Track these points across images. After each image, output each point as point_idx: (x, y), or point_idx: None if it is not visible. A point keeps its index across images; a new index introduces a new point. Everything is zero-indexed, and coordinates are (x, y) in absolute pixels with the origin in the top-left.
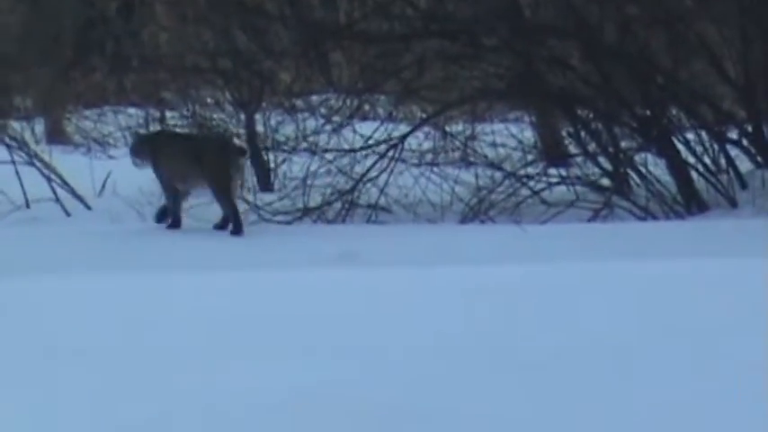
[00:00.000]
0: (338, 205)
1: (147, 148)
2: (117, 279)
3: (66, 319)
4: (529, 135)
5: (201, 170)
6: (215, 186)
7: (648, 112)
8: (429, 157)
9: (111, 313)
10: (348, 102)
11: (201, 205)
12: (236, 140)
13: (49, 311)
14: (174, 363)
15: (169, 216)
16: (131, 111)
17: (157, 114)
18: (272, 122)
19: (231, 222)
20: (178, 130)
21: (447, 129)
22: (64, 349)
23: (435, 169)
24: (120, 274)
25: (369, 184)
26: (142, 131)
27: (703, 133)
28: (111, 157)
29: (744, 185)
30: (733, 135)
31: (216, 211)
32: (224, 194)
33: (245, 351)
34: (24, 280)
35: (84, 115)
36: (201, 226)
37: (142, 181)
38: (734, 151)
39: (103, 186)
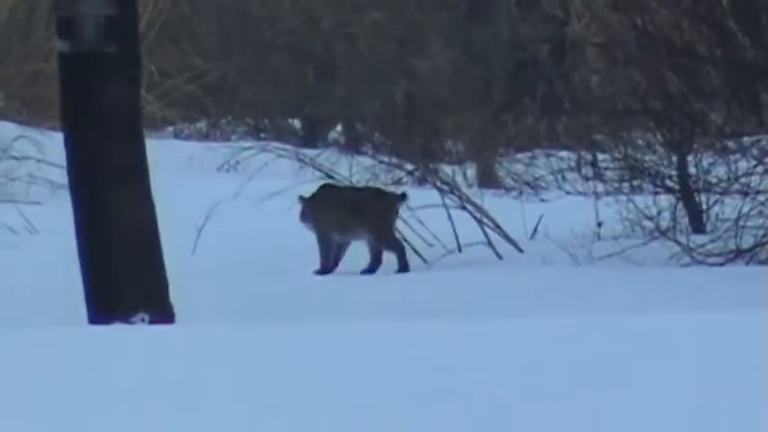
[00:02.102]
0: None
1: (308, 208)
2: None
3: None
4: None
5: (361, 220)
6: (376, 235)
7: None
8: None
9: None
10: None
11: None
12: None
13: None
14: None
15: (322, 266)
16: (563, 154)
17: (589, 157)
18: (704, 164)
19: (398, 261)
20: (338, 184)
21: None
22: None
23: None
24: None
25: None
26: (305, 194)
27: None
28: (543, 201)
29: None
30: None
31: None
32: (387, 239)
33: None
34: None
35: (515, 159)
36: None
37: (575, 223)
38: None
39: (535, 230)
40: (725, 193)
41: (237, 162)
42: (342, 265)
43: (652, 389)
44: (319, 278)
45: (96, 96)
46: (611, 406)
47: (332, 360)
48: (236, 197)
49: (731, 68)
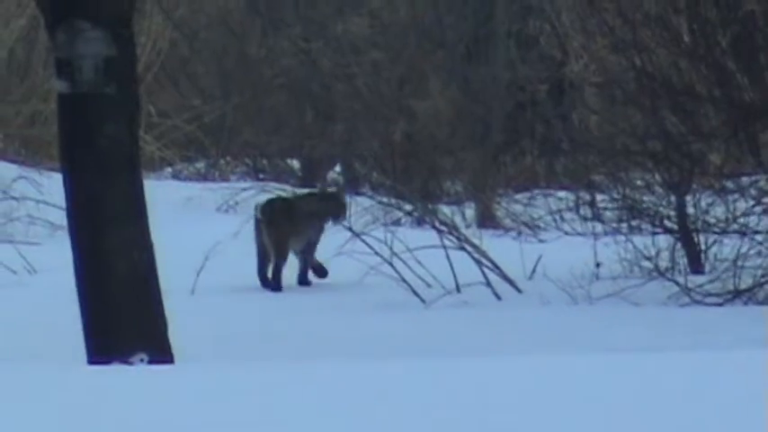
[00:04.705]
0: None
1: None
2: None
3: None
4: None
5: None
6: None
7: None
8: None
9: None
10: None
11: None
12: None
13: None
14: None
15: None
16: (561, 194)
17: (587, 197)
18: (703, 204)
19: None
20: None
21: None
22: None
23: None
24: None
25: None
26: None
27: None
28: (541, 241)
29: None
30: None
31: None
32: None
33: None
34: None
35: (514, 199)
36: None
37: (573, 263)
38: None
39: (534, 270)
40: (723, 233)
41: (236, 202)
42: (344, 303)
43: (651, 429)
44: (316, 316)
45: (95, 137)
46: None
47: (333, 398)
48: (235, 237)
49: (730, 108)
